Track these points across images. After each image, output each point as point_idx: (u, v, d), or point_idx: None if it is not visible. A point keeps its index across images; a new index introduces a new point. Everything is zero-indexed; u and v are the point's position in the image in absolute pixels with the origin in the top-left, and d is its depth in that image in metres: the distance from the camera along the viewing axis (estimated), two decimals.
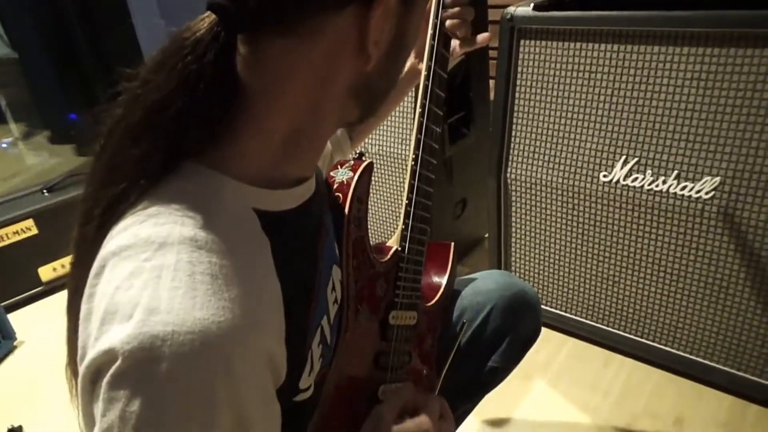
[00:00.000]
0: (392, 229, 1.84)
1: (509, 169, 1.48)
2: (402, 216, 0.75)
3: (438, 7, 0.74)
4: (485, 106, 1.84)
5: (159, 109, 0.46)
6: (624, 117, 1.27)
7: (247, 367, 0.42)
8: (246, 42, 0.48)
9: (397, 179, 1.74)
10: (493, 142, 1.49)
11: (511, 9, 1.35)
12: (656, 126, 1.23)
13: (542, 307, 1.18)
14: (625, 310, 1.43)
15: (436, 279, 0.92)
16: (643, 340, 1.43)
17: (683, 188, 1.24)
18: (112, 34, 2.50)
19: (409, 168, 0.75)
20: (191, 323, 0.39)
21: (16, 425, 1.38)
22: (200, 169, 0.48)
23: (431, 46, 0.74)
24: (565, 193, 1.41)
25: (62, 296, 0.52)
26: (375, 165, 1.74)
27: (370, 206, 0.82)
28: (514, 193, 1.50)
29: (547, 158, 1.41)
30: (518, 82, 1.40)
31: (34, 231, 1.90)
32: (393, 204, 1.79)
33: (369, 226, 0.72)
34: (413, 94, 1.51)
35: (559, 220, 1.45)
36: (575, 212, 1.41)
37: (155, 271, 0.41)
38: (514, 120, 1.44)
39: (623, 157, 1.30)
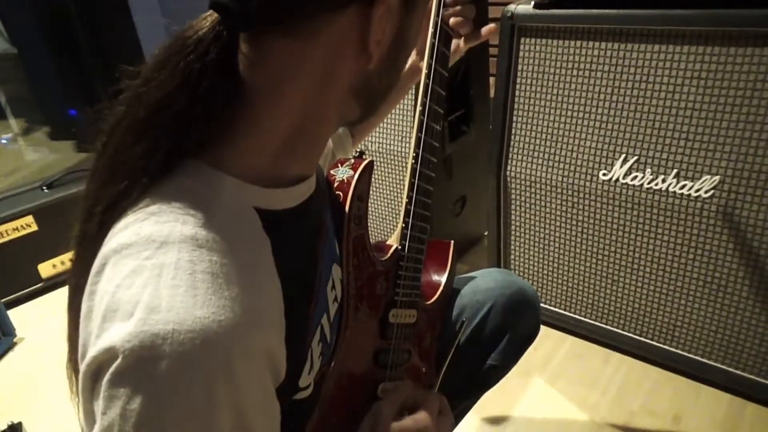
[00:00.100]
0: (392, 228, 1.84)
1: (509, 167, 1.48)
2: (402, 214, 0.75)
3: (439, 5, 0.74)
4: (485, 104, 1.84)
5: (161, 108, 0.46)
6: (624, 115, 1.27)
7: (247, 365, 0.42)
8: (248, 41, 0.48)
9: (397, 177, 1.74)
10: (493, 140, 1.49)
11: (511, 7, 1.35)
12: (656, 125, 1.23)
13: (541, 305, 1.18)
14: (624, 308, 1.44)
15: (435, 277, 0.92)
16: (642, 339, 1.44)
17: (682, 187, 1.24)
18: (112, 30, 2.50)
19: (409, 166, 0.75)
20: (192, 322, 0.39)
21: (15, 421, 1.38)
22: (202, 167, 0.48)
23: (432, 45, 0.74)
24: (564, 191, 1.41)
25: (62, 293, 0.52)
26: (375, 163, 1.74)
27: (370, 204, 0.82)
28: (513, 191, 1.50)
29: (546, 156, 1.41)
30: (518, 80, 1.40)
31: (34, 227, 1.90)
32: (393, 202, 1.79)
33: (369, 225, 0.72)
34: (413, 92, 1.51)
35: (558, 218, 1.45)
36: (575, 210, 1.42)
37: (156, 270, 0.41)
38: (514, 118, 1.44)
39: (623, 156, 1.30)
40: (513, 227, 1.55)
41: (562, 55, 1.32)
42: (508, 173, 1.49)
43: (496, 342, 0.92)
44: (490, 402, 1.10)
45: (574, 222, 1.43)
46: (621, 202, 1.33)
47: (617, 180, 1.32)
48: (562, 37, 1.31)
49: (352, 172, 0.69)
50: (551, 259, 1.51)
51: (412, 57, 0.87)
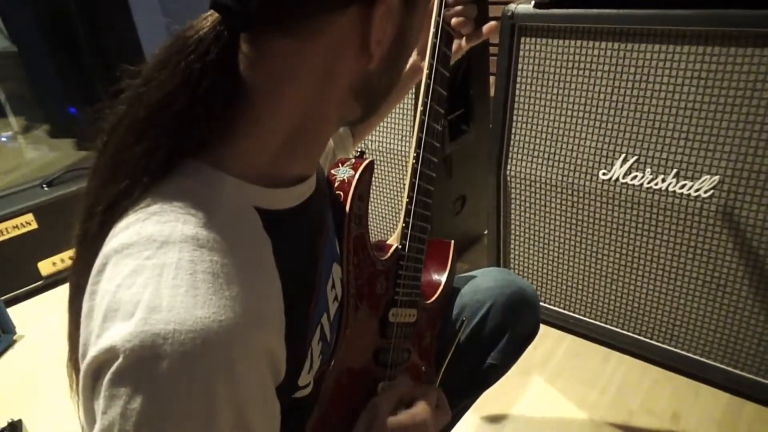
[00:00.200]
0: (392, 227, 1.84)
1: (509, 167, 1.48)
2: (402, 214, 0.75)
3: (441, 5, 0.74)
4: (485, 104, 1.83)
5: (161, 107, 0.46)
6: (624, 115, 1.27)
7: (247, 365, 0.42)
8: (249, 41, 0.48)
9: (398, 177, 1.74)
10: (493, 140, 1.49)
11: (512, 6, 1.35)
12: (656, 124, 1.23)
13: (541, 304, 1.18)
14: (623, 307, 1.44)
15: (435, 276, 0.92)
16: (641, 338, 1.44)
17: (682, 187, 1.24)
18: (112, 29, 2.49)
19: (409, 166, 0.75)
20: (192, 322, 0.39)
21: (15, 419, 1.38)
22: (202, 167, 0.48)
23: (434, 45, 0.74)
24: (564, 190, 1.41)
25: (62, 291, 0.53)
26: (375, 162, 1.74)
27: (370, 204, 0.82)
28: (513, 190, 1.50)
29: (546, 156, 1.41)
30: (518, 80, 1.40)
31: (34, 225, 1.90)
32: (393, 202, 1.79)
33: (369, 224, 0.72)
34: (414, 92, 1.51)
35: (558, 217, 1.45)
36: (574, 210, 1.42)
37: (157, 270, 0.41)
38: (514, 117, 1.44)
39: (623, 155, 1.30)
40: (513, 226, 1.55)
41: (562, 55, 1.32)
42: (508, 172, 1.49)
43: (496, 341, 0.92)
44: (489, 401, 1.11)
45: (574, 221, 1.43)
46: (621, 202, 1.33)
47: (617, 179, 1.32)
48: (562, 36, 1.31)
49: (352, 172, 0.69)
50: (551, 258, 1.52)
51: (413, 57, 0.87)
